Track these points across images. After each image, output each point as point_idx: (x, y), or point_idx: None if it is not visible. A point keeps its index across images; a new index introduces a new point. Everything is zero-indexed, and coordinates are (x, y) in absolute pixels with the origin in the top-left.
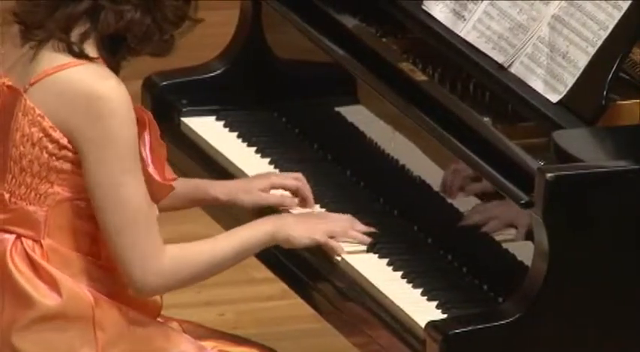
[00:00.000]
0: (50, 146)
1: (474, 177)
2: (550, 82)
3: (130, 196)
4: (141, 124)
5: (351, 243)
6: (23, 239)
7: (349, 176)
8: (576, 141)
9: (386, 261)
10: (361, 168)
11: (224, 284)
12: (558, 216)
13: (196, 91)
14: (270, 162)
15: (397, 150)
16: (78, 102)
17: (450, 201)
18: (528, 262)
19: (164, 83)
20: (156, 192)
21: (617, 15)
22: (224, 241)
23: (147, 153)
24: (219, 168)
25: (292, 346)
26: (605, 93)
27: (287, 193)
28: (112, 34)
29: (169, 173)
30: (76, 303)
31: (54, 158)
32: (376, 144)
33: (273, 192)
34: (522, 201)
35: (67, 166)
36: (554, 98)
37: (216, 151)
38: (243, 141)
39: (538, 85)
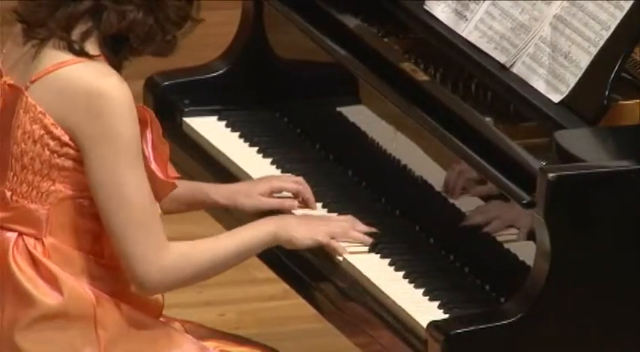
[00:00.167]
0: (52, 143)
1: (476, 178)
2: (552, 82)
3: (133, 193)
4: (143, 122)
5: (353, 243)
6: (25, 237)
7: (351, 176)
8: (578, 141)
9: (388, 261)
10: (363, 168)
11: (225, 284)
12: (560, 216)
13: (198, 91)
14: (272, 162)
15: (399, 150)
16: (79, 99)
17: (451, 201)
18: (530, 262)
19: (166, 83)
20: (158, 190)
21: (619, 15)
22: (227, 240)
23: (149, 151)
24: (221, 168)
25: (294, 346)
26: (607, 93)
27: (288, 195)
28: (115, 34)
29: (172, 171)
30: (77, 302)
31: (55, 155)
32: (378, 144)
33: (274, 194)
34: (524, 201)
35: (68, 163)
36: (556, 98)
37: (218, 151)
38: (245, 141)
39: (540, 85)
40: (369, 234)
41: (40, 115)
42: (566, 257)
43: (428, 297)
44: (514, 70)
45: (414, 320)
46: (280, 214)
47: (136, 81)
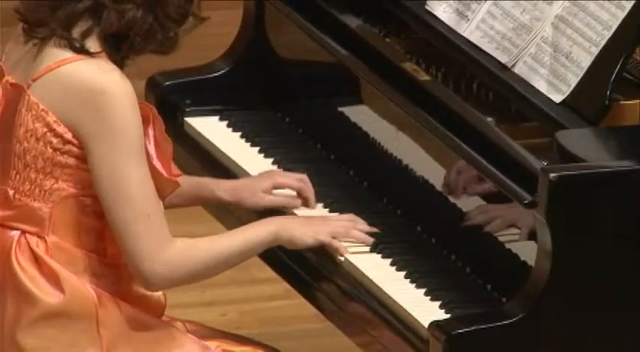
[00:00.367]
0: (54, 141)
1: (478, 178)
2: (553, 82)
3: (136, 189)
4: (145, 119)
5: (354, 243)
6: (28, 235)
7: (352, 176)
8: (579, 141)
9: (389, 260)
10: (364, 168)
11: (227, 284)
12: (561, 216)
13: (200, 91)
14: (274, 162)
15: (400, 150)
16: (81, 96)
17: (453, 201)
18: (532, 262)
19: (168, 83)
20: (161, 188)
21: (621, 15)
22: (230, 238)
23: (152, 148)
24: (222, 168)
25: (295, 346)
26: (608, 93)
27: (291, 192)
28: (115, 33)
29: (175, 169)
30: (79, 301)
31: (58, 153)
32: (379, 144)
33: (277, 191)
34: (526, 201)
35: (71, 161)
36: (558, 98)
37: (220, 151)
38: (247, 141)
39: (541, 85)
40: (371, 234)
41: (42, 113)
42: (567, 257)
43: (429, 297)
44: (515, 70)
45: (416, 320)
46: (281, 213)
47: (137, 81)
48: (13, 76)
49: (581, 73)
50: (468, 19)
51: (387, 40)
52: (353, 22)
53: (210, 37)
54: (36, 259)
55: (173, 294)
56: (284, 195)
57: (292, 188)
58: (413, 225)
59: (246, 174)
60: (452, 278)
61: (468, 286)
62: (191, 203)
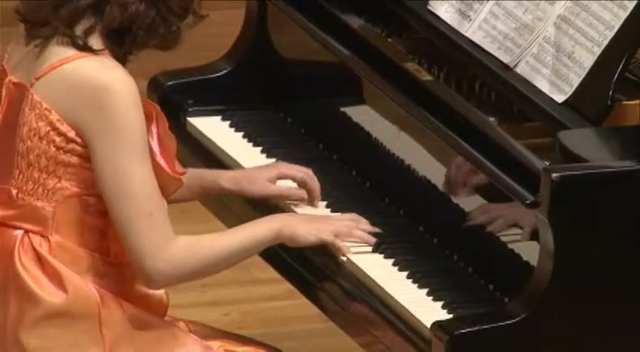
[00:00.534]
0: (57, 139)
1: (479, 177)
2: (556, 82)
3: (139, 186)
4: (148, 117)
5: (357, 243)
6: (31, 235)
7: (355, 176)
8: (582, 141)
9: (391, 261)
10: (367, 168)
11: (229, 285)
12: (564, 216)
13: (202, 91)
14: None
15: (402, 150)
16: (84, 93)
17: (455, 201)
18: (534, 262)
19: (170, 83)
20: (165, 185)
21: (623, 15)
22: (232, 235)
23: (155, 146)
24: (224, 168)
25: (298, 346)
26: (610, 93)
27: (294, 185)
28: (118, 28)
29: (179, 167)
30: (82, 301)
31: (61, 151)
32: (381, 144)
33: (280, 182)
34: (528, 201)
35: (74, 160)
36: (560, 98)
37: (222, 151)
38: (249, 141)
39: (544, 85)
40: (373, 234)
41: (45, 112)
42: (569, 257)
43: (432, 297)
44: (518, 70)
45: (418, 320)
46: (284, 210)
47: (139, 81)
48: (16, 76)
49: (583, 73)
50: (470, 19)
51: (389, 40)
52: (355, 22)
53: (211, 37)
54: (39, 259)
55: (175, 294)
56: (286, 186)
57: (296, 179)
58: (415, 225)
59: None
60: (454, 279)
61: (470, 286)
62: (194, 195)
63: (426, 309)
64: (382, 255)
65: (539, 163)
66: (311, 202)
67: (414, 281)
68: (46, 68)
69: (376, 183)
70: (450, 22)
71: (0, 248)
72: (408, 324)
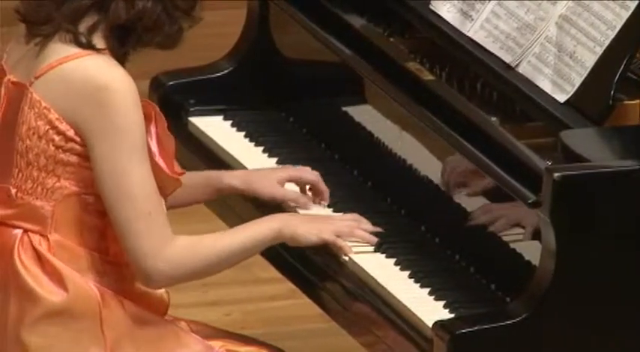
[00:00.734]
0: (57, 138)
1: (481, 177)
2: (557, 81)
3: (137, 186)
4: (147, 117)
5: (358, 243)
6: (30, 234)
7: (356, 176)
8: (584, 141)
9: (393, 260)
10: (368, 167)
11: (231, 284)
12: (566, 215)
13: (204, 91)
14: (278, 162)
15: (404, 150)
16: (84, 92)
17: (457, 200)
18: (536, 262)
19: (171, 83)
20: (163, 185)
21: (625, 15)
22: (232, 235)
23: (154, 146)
24: (226, 168)
25: (299, 345)
26: (612, 93)
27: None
28: (122, 25)
29: (177, 167)
30: (82, 299)
31: (60, 150)
32: (383, 143)
33: (288, 185)
34: (530, 201)
35: (73, 159)
36: (562, 98)
37: (224, 151)
38: (251, 140)
39: (545, 85)
40: (375, 234)
41: (44, 111)
42: (571, 257)
43: (433, 297)
44: (520, 69)
45: (420, 319)
46: (286, 210)
47: (141, 81)
48: (15, 75)
49: (585, 73)
50: (472, 19)
51: (391, 39)
52: (357, 21)
53: (212, 37)
54: (39, 257)
55: (177, 294)
56: (296, 191)
57: (307, 181)
58: (417, 225)
59: None
60: (456, 278)
61: (472, 286)
62: (203, 196)
63: (428, 309)
64: (384, 255)
65: (541, 163)
66: (319, 202)
67: (416, 281)
68: (46, 67)
69: (378, 183)
70: (451, 22)
71: None
72: (409, 324)
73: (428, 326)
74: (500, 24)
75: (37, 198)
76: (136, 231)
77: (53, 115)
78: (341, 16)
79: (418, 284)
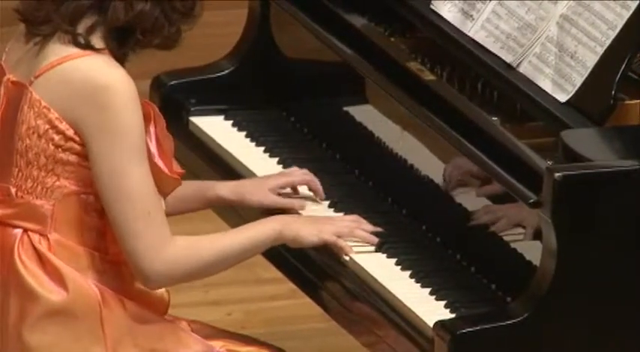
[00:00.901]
0: (56, 138)
1: (482, 177)
2: (558, 81)
3: (136, 186)
4: (146, 117)
5: (359, 242)
6: (30, 233)
7: (357, 175)
8: (584, 140)
9: (394, 260)
10: (369, 167)
11: (232, 284)
12: (566, 215)
13: (205, 91)
14: (279, 162)
15: (405, 150)
16: (84, 92)
17: (458, 200)
18: (537, 262)
19: (172, 82)
20: (162, 185)
21: (626, 14)
22: (232, 236)
23: (153, 146)
24: (227, 168)
25: (300, 345)
26: (613, 92)
27: (294, 194)
28: (121, 26)
29: (177, 167)
30: (83, 299)
31: (60, 150)
32: (385, 143)
33: (281, 192)
34: (531, 201)
35: (73, 158)
36: (563, 98)
37: (225, 150)
38: (252, 140)
39: (546, 85)
40: (376, 234)
41: (44, 110)
42: (572, 256)
43: (434, 297)
44: (520, 69)
45: (421, 319)
46: (282, 210)
47: (142, 80)
48: (15, 75)
49: (586, 73)
50: (473, 19)
51: (392, 39)
52: (358, 21)
53: (213, 37)
54: (39, 257)
55: (178, 294)
56: (289, 196)
57: (299, 184)
58: (418, 225)
59: (251, 173)
60: (457, 278)
61: (472, 286)
62: (196, 206)
63: (429, 309)
64: (385, 255)
65: (542, 163)
66: (315, 200)
67: (417, 281)
68: (46, 67)
69: (379, 183)
70: (452, 22)
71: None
72: (410, 324)
73: (429, 326)
74: (501, 24)
75: (36, 198)
76: (135, 231)
77: (53, 115)
78: (342, 15)
79: (419, 284)
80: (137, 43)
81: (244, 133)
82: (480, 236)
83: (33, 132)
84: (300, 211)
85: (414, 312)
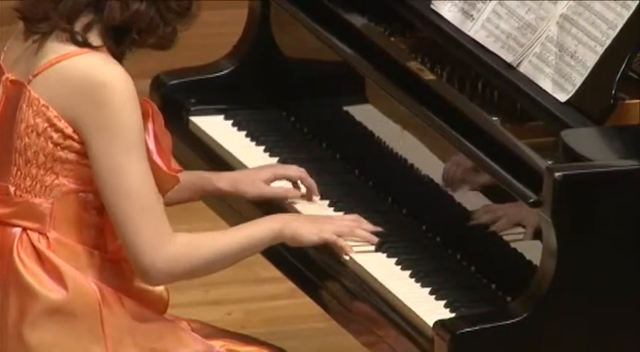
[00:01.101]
0: (55, 136)
1: (482, 177)
2: (558, 81)
3: (135, 183)
4: (144, 115)
5: (359, 242)
6: (29, 232)
7: (357, 175)
8: (584, 140)
9: (394, 260)
10: (370, 167)
11: (232, 284)
12: (566, 215)
13: (205, 90)
14: (279, 161)
15: (406, 150)
16: (82, 90)
17: (458, 200)
18: (537, 261)
19: (172, 82)
20: (161, 183)
21: (626, 14)
22: (232, 234)
23: (152, 143)
24: (227, 167)
25: (300, 345)
26: (613, 92)
27: (290, 185)
28: (117, 25)
29: (175, 164)
30: (82, 298)
31: (59, 148)
32: (385, 143)
33: (276, 183)
34: (531, 200)
35: (71, 156)
36: (563, 97)
37: (225, 150)
38: (252, 140)
39: (546, 85)
40: (376, 233)
41: (43, 108)
42: (572, 256)
43: (434, 296)
44: (521, 69)
45: (421, 319)
46: (286, 209)
47: (142, 80)
48: (13, 73)
49: (586, 73)
50: (474, 19)
51: (392, 39)
52: (358, 21)
53: (212, 37)
54: (38, 256)
55: (178, 293)
56: (284, 187)
57: (293, 177)
58: (418, 225)
59: None
60: (457, 278)
61: (472, 285)
62: (191, 197)
63: (429, 308)
64: (385, 254)
65: (542, 162)
66: (308, 198)
67: (417, 281)
68: (44, 65)
69: (379, 182)
70: (452, 21)
71: None
72: (410, 323)
73: (429, 326)
74: (501, 23)
75: (35, 196)
76: (135, 227)
77: (52, 113)
78: (342, 15)
79: (419, 284)
80: (133, 42)
81: (244, 133)
82: (480, 235)
83: (32, 131)
84: (299, 209)
85: (414, 312)
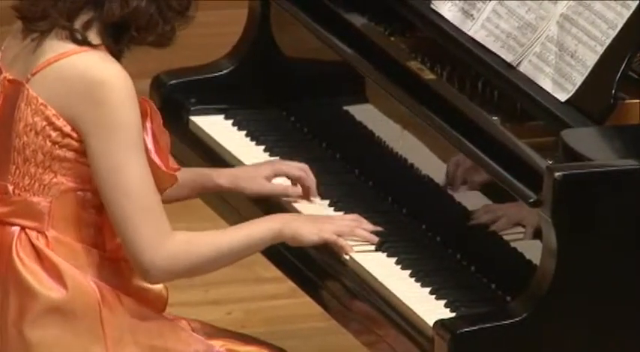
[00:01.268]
0: (53, 134)
1: (482, 176)
2: (558, 80)
3: (134, 181)
4: (143, 113)
5: (359, 242)
6: (28, 231)
7: (357, 175)
8: (585, 140)
9: (394, 259)
10: (370, 167)
11: (232, 283)
12: (566, 215)
13: (205, 90)
14: None
15: (406, 149)
16: (81, 88)
17: (458, 200)
18: (537, 261)
19: (172, 82)
20: (159, 181)
21: (626, 14)
22: (232, 233)
23: (150, 142)
24: (227, 167)
25: (300, 345)
26: (613, 92)
27: (290, 183)
28: (116, 23)
29: (173, 163)
30: (82, 297)
31: (57, 146)
32: (385, 143)
33: (276, 180)
34: (531, 200)
35: (70, 155)
36: (563, 97)
37: (225, 150)
38: (252, 139)
39: (547, 84)
40: (376, 233)
41: (41, 107)
42: (572, 256)
43: (434, 296)
44: (521, 68)
45: (421, 318)
46: (285, 207)
47: (142, 80)
48: (11, 72)
49: (586, 72)
50: (474, 18)
51: (392, 38)
52: (358, 20)
53: (212, 37)
54: (37, 254)
55: (178, 293)
56: (284, 184)
57: (293, 176)
58: (418, 224)
59: None
60: (457, 277)
61: (472, 285)
62: (191, 194)
63: (429, 308)
64: (385, 254)
65: (542, 162)
66: (307, 198)
67: (417, 280)
68: (42, 64)
69: (379, 182)
70: (452, 21)
71: None
72: (410, 323)
73: (429, 325)
74: (501, 23)
75: (34, 195)
76: (134, 225)
77: (50, 111)
78: (342, 15)
79: (419, 284)
80: (132, 40)
81: (244, 132)
82: (480, 235)
83: (30, 130)
84: (299, 208)
85: (413, 311)
